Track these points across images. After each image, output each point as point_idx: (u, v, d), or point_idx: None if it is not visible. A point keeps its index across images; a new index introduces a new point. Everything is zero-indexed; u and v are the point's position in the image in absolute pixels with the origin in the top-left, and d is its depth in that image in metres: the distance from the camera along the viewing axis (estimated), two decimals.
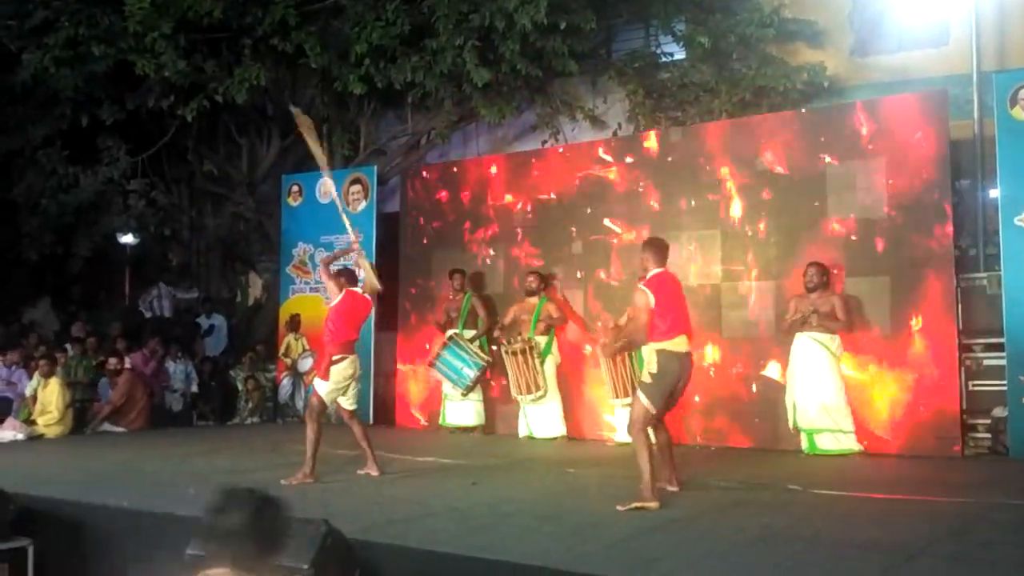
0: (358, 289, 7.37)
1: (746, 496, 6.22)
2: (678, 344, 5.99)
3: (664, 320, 5.97)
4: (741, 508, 5.80)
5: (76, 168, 12.30)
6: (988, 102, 8.87)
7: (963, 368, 8.36)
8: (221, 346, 13.75)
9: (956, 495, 6.17)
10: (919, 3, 9.99)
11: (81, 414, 10.83)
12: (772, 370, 8.91)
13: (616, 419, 9.31)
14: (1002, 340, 8.12)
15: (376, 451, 7.19)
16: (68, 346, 12.12)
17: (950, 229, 8.36)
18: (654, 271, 6.15)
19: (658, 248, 6.25)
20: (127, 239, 14.07)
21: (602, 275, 10.09)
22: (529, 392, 9.69)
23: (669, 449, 6.27)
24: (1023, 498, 5.99)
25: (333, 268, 7.55)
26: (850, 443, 8.22)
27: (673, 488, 6.13)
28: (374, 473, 7.11)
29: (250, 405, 12.05)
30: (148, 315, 14.23)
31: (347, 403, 7.16)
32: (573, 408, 9.99)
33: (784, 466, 7.75)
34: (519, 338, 9.83)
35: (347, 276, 7.38)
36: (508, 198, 10.90)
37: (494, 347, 10.05)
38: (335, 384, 7.03)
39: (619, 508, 5.56)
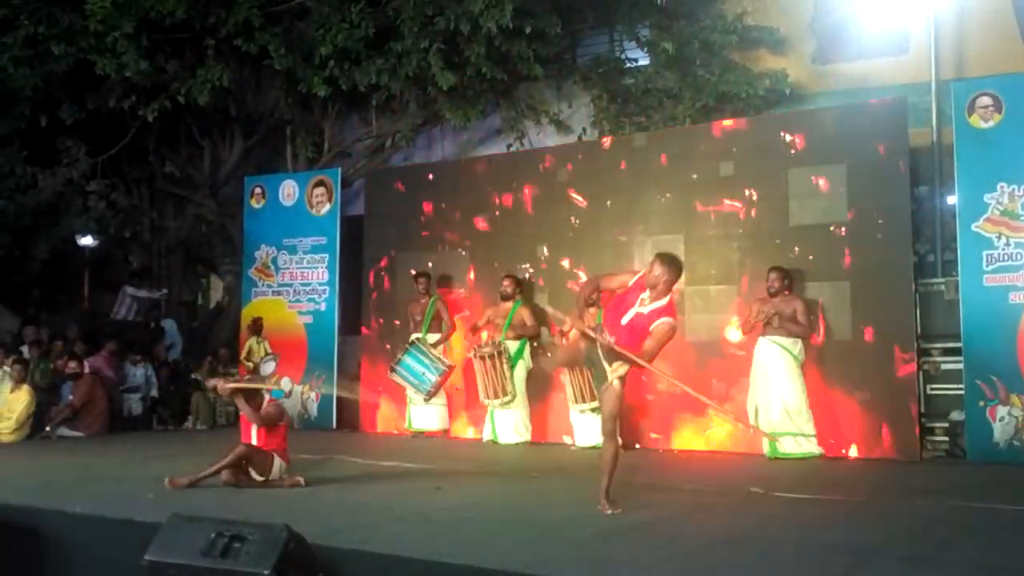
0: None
1: (708, 499, 6.25)
2: None
3: None
4: (704, 511, 5.83)
5: (35, 169, 12.06)
6: (946, 110, 9.00)
7: (921, 372, 8.48)
8: (176, 350, 13.59)
9: (915, 498, 6.26)
10: (879, 12, 10.12)
11: (39, 418, 10.64)
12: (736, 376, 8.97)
13: (577, 424, 9.32)
14: (959, 345, 8.24)
15: (340, 455, 7.07)
16: (24, 349, 11.90)
17: (909, 235, 8.48)
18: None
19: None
20: (86, 241, 13.86)
21: (567, 280, 10.09)
22: (496, 397, 9.65)
23: None
24: (980, 500, 6.08)
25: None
26: (811, 447, 8.29)
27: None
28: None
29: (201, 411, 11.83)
30: (119, 317, 13.99)
31: None
32: (538, 412, 9.99)
33: (746, 469, 7.80)
34: (489, 342, 9.80)
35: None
36: (475, 201, 10.85)
37: (470, 353, 9.93)
38: None
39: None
